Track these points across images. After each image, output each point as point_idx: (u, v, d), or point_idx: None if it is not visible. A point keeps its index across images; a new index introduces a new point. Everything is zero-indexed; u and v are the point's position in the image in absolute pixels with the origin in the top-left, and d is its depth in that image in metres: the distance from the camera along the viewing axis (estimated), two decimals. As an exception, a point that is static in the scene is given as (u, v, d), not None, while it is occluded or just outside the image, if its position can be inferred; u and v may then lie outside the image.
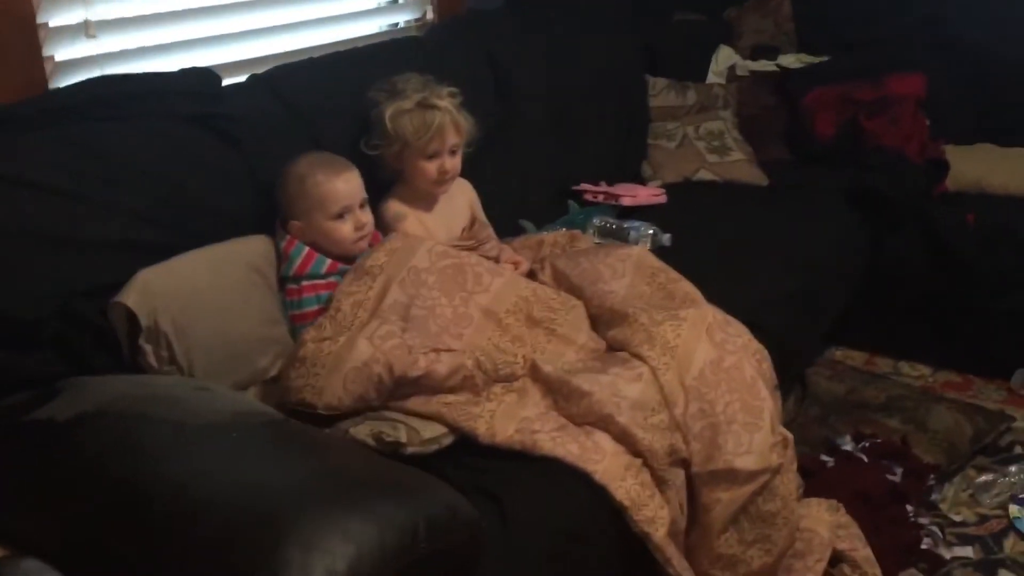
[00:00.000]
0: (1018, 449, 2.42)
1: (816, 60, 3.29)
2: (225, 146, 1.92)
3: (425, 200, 2.12)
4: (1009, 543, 2.11)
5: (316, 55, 2.29)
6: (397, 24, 2.69)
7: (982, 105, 3.11)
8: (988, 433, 2.44)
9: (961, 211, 2.74)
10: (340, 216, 1.89)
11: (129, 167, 1.77)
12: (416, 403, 1.69)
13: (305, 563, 1.11)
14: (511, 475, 1.60)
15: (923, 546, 2.07)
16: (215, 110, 1.93)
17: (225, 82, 2.02)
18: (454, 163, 2.08)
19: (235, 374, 1.77)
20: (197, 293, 1.74)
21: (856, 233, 2.73)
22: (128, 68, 2.00)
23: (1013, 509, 2.19)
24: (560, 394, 1.74)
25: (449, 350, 1.74)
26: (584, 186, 2.68)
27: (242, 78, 2.13)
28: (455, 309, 1.83)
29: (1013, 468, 2.31)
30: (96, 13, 1.96)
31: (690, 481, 1.76)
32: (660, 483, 1.69)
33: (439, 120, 2.01)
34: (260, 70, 2.15)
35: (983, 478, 2.29)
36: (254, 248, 1.88)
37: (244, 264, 1.84)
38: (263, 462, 1.32)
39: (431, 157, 2.04)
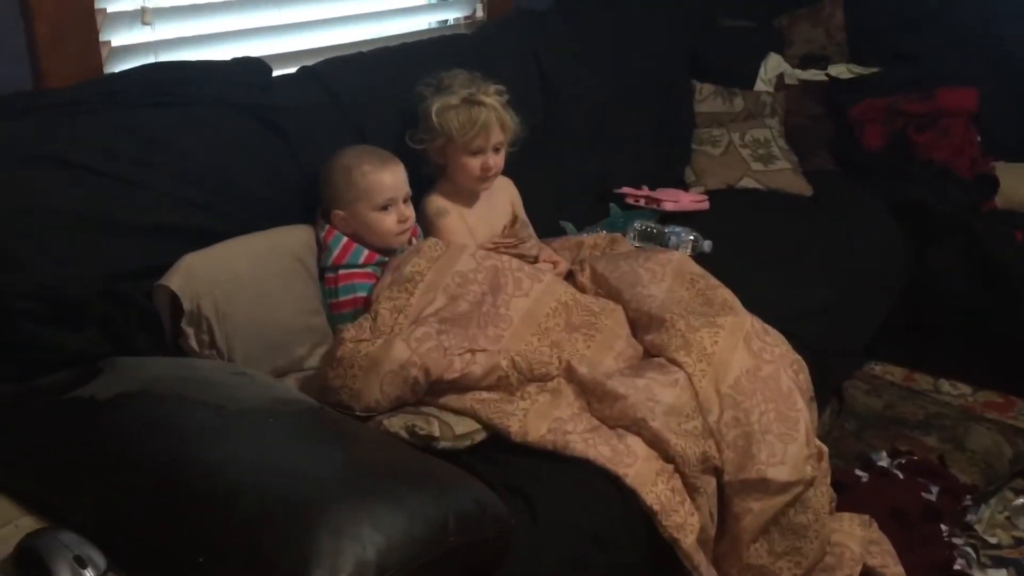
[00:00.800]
0: (1058, 473, 2.38)
1: (866, 71, 3.26)
2: (273, 136, 1.95)
3: (467, 197, 2.13)
4: (1045, 568, 2.08)
5: (365, 49, 2.31)
6: (447, 21, 2.71)
7: (1036, 123, 3.06)
8: (1028, 456, 2.40)
9: (1009, 228, 2.69)
10: (384, 208, 1.90)
11: (179, 153, 1.80)
12: (450, 399, 1.70)
13: (335, 550, 1.13)
14: (542, 474, 1.60)
15: (956, 567, 2.04)
16: (265, 100, 1.95)
17: (276, 73, 2.04)
18: (498, 161, 2.09)
19: (273, 361, 1.79)
20: (239, 279, 1.76)
21: (900, 246, 2.70)
22: (182, 56, 2.03)
23: (1050, 534, 2.16)
24: (594, 396, 1.74)
25: (484, 350, 1.75)
26: (626, 190, 2.67)
27: (292, 70, 2.15)
28: (497, 310, 1.84)
29: (1052, 492, 2.28)
30: (153, 0, 1.99)
31: (721, 489, 1.75)
32: (691, 490, 1.69)
33: (485, 117, 2.03)
34: (310, 62, 2.17)
35: (1020, 501, 2.26)
36: (297, 237, 1.90)
37: (287, 253, 1.86)
38: (298, 449, 1.33)
39: (475, 154, 2.05)
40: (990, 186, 2.86)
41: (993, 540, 2.16)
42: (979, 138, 2.98)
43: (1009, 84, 3.08)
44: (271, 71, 2.02)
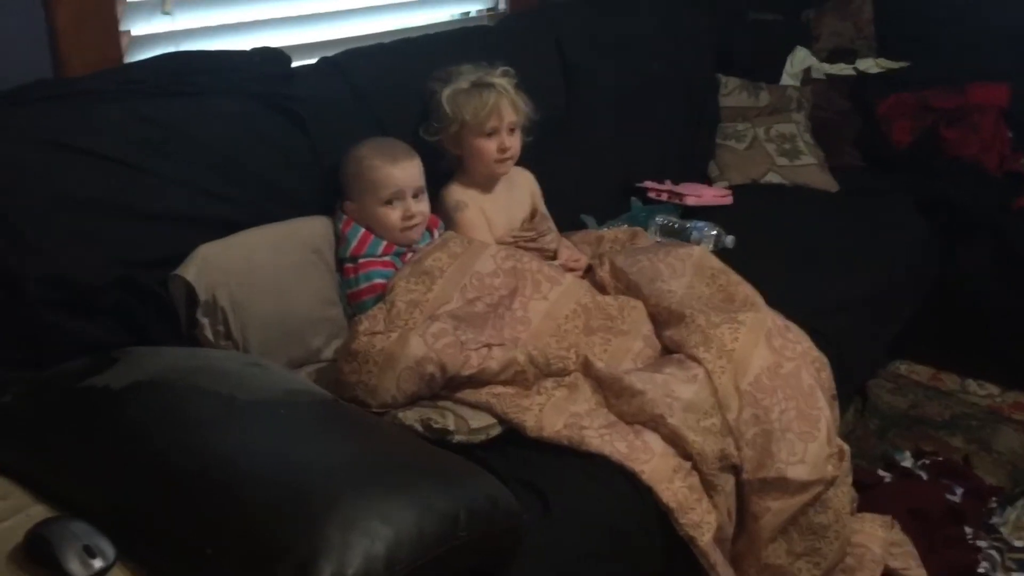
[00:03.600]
0: (1087, 476, 2.34)
1: (895, 65, 3.20)
2: (292, 127, 1.94)
3: (486, 187, 2.11)
4: (1072, 573, 2.04)
5: (386, 40, 2.29)
6: (468, 13, 2.69)
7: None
8: (1056, 458, 2.36)
9: (1040, 227, 2.64)
10: (389, 202, 1.89)
11: (196, 142, 1.79)
12: (466, 393, 1.69)
13: (344, 543, 1.12)
14: (557, 470, 1.58)
15: (980, 570, 2.01)
16: (284, 90, 1.94)
17: (295, 63, 2.03)
18: (513, 142, 2.07)
19: (289, 352, 1.79)
20: (256, 270, 1.75)
21: (927, 244, 2.65)
22: (201, 45, 2.02)
23: (1078, 538, 2.11)
24: (611, 391, 1.72)
25: (501, 344, 1.73)
26: (648, 184, 2.64)
27: (312, 60, 2.14)
28: (515, 312, 1.83)
29: (1080, 496, 2.23)
30: (173, -10, 1.99)
31: (740, 488, 1.73)
32: (709, 487, 1.67)
33: (495, 97, 2.03)
34: (330, 53, 2.16)
35: (1048, 504, 2.22)
36: (314, 229, 1.90)
37: (303, 244, 1.86)
38: (310, 440, 1.32)
39: (490, 135, 2.04)
40: (1020, 183, 2.81)
41: (1019, 543, 2.11)
42: (1010, 134, 2.93)
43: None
44: (290, 61, 2.01)
